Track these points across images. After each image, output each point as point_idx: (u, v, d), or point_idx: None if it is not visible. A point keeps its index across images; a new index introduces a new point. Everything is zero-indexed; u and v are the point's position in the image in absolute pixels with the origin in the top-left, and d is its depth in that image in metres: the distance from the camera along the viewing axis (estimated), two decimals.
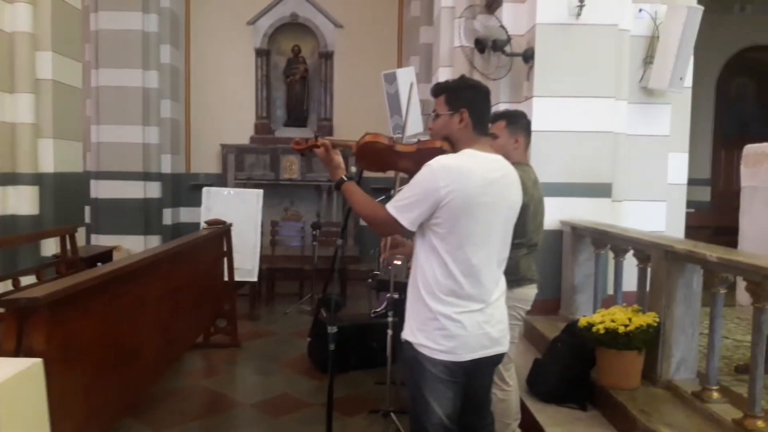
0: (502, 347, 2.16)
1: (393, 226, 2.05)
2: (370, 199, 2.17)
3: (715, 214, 9.02)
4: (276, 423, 3.68)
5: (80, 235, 5.96)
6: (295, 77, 9.54)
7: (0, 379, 1.82)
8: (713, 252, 2.82)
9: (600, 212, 4.60)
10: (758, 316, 2.56)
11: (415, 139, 2.59)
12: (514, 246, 2.43)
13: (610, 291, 4.14)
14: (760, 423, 2.51)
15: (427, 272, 2.06)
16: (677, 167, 5.09)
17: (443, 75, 5.97)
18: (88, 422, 2.68)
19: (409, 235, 2.16)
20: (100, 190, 8.31)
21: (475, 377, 2.14)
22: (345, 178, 2.21)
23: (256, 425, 3.65)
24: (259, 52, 9.41)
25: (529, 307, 2.93)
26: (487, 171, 2.05)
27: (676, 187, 5.09)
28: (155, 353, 3.66)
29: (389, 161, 2.33)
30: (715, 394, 2.84)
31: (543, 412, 3.23)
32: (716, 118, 10.27)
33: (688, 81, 4.94)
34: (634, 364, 3.16)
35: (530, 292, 2.90)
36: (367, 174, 2.58)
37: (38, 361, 2.08)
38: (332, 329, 2.98)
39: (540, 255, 4.35)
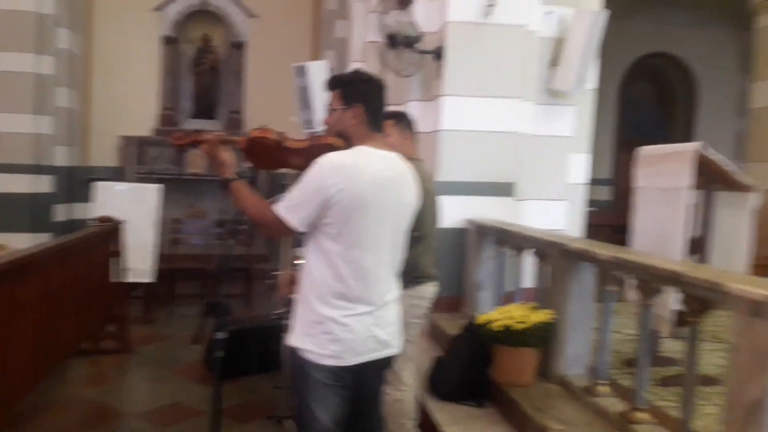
0: (393, 350, 2.08)
1: (281, 227, 1.92)
2: (259, 199, 2.03)
3: (616, 213, 9.43)
4: None
5: None
6: (204, 67, 9.16)
7: None
8: (605, 250, 2.86)
9: (504, 211, 4.63)
10: (644, 312, 2.62)
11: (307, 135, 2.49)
12: (414, 240, 2.36)
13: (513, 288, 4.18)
14: (642, 415, 2.56)
15: (314, 274, 1.95)
16: (579, 167, 5.21)
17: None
18: None
19: (299, 236, 2.04)
20: None
21: (363, 381, 2.05)
22: (233, 177, 2.06)
23: None
24: (167, 40, 8.96)
25: (429, 305, 2.87)
26: (380, 169, 1.96)
27: (577, 186, 5.22)
28: (28, 362, 3.33)
29: (279, 158, 2.21)
30: (604, 389, 2.88)
31: (441, 411, 3.19)
32: (619, 120, 10.74)
33: (593, 84, 5.08)
34: (529, 361, 3.18)
35: (430, 289, 2.85)
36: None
37: None
38: (220, 335, 2.81)
39: (444, 253, 4.36)
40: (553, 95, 4.96)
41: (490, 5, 4.35)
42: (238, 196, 2.04)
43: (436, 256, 2.94)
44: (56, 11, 7.95)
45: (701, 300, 2.21)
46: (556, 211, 5.09)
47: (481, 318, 3.28)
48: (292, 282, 2.44)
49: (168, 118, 8.97)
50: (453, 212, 4.51)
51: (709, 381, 3.09)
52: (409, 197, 2.08)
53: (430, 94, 4.83)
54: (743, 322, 1.91)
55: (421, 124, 4.48)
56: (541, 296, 3.45)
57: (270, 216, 1.94)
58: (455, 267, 4.61)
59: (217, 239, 6.36)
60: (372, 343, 1.98)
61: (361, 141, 2.01)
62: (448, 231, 4.49)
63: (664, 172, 3.23)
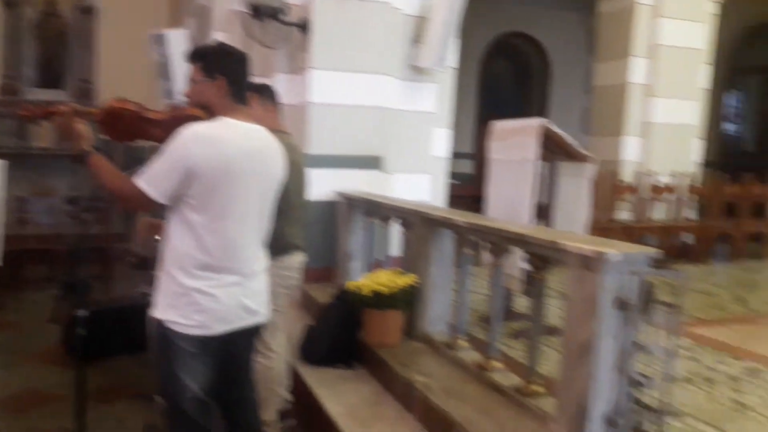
0: (260, 318, 2.13)
1: (143, 200, 1.89)
2: (118, 172, 1.98)
3: (476, 185, 9.99)
4: (19, 420, 3.25)
5: None
6: (49, 33, 8.38)
7: None
8: (462, 217, 3.09)
9: (372, 184, 4.79)
10: (495, 272, 2.87)
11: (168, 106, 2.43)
12: (280, 211, 2.41)
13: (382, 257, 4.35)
14: (495, 364, 2.84)
15: (178, 247, 1.94)
16: (441, 142, 5.48)
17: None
18: None
19: (161, 209, 2.01)
20: None
21: (232, 348, 2.08)
22: (89, 150, 1.99)
23: None
24: (4, 3, 8.07)
25: (296, 275, 2.93)
26: (245, 141, 1.99)
27: (440, 160, 5.49)
28: None
29: (138, 129, 2.17)
30: (463, 343, 3.14)
31: (312, 375, 3.30)
32: (480, 97, 11.31)
33: (453, 61, 5.34)
34: (395, 322, 3.36)
35: (297, 259, 2.91)
36: None
37: None
38: (81, 313, 2.71)
39: (315, 225, 4.44)
40: (416, 72, 5.15)
41: None
42: (96, 170, 1.98)
43: (305, 228, 2.99)
44: None
45: (542, 258, 2.49)
46: (421, 184, 5.34)
47: (351, 284, 3.41)
48: (152, 227, 2.40)
49: (8, 87, 8.14)
50: (323, 185, 4.59)
51: (553, 331, 3.45)
52: (276, 169, 2.12)
53: (297, 66, 4.83)
54: (576, 275, 2.18)
55: (289, 97, 4.51)
56: (406, 262, 3.65)
57: (131, 189, 1.90)
58: (326, 238, 4.70)
59: (69, 218, 5.92)
60: (241, 312, 2.02)
61: (225, 113, 2.01)
62: (319, 203, 4.56)
63: (513, 146, 3.53)
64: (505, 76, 11.87)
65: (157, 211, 2.14)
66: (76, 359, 2.71)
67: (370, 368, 3.33)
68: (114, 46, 8.45)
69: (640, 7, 6.34)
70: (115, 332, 4.07)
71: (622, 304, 2.05)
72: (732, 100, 10.74)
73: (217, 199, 1.91)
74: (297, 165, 2.84)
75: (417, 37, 5.06)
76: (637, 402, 2.16)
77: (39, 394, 3.55)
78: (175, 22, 8.58)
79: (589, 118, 7.19)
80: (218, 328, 1.96)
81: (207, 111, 2.04)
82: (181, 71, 5.03)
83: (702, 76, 6.76)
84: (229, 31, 5.65)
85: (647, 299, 2.08)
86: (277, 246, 2.66)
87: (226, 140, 1.93)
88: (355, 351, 3.44)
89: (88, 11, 8.44)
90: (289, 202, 2.72)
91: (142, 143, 2.36)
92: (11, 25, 8.16)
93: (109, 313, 4.07)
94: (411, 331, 3.43)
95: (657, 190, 6.55)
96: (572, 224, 3.86)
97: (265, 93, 2.93)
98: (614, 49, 6.59)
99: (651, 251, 2.11)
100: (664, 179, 6.56)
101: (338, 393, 3.13)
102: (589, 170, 3.83)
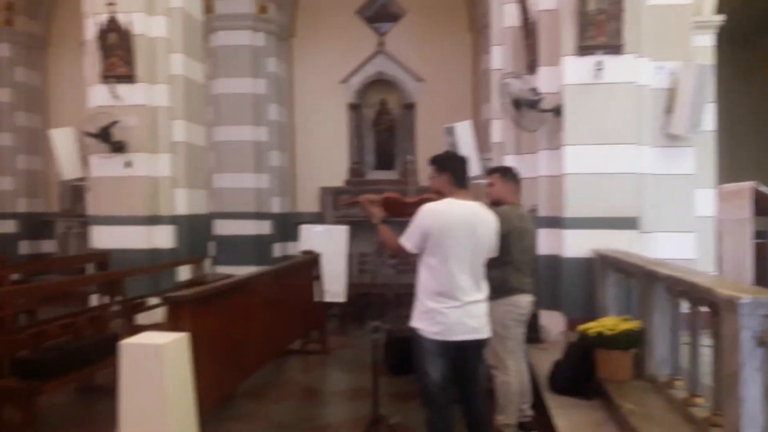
0: (482, 334, 3.14)
1: (404, 251, 3.13)
2: (393, 235, 3.27)
3: None
4: (349, 405, 4.93)
5: (206, 264, 7.45)
6: (382, 126, 10.88)
7: (165, 341, 3.06)
8: (666, 270, 3.57)
9: (630, 242, 5.26)
10: (693, 318, 3.32)
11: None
12: (502, 263, 3.41)
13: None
14: (698, 399, 3.25)
15: (423, 281, 3.13)
16: (704, 202, 5.66)
17: (495, 127, 6.98)
18: (213, 382, 3.90)
19: (414, 257, 3.20)
20: (221, 228, 9.81)
21: (461, 354, 3.13)
22: (378, 222, 3.35)
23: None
24: (351, 106, 10.83)
25: (524, 311, 3.79)
26: (461, 213, 3.09)
27: (704, 219, 5.66)
28: (259, 349, 4.90)
29: (402, 209, 3.46)
30: (680, 383, 3.54)
31: (554, 400, 4.04)
32: None
33: (711, 125, 5.61)
34: (622, 361, 3.93)
35: (523, 299, 3.77)
36: None
37: (185, 334, 3.29)
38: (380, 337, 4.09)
39: (575, 280, 5.18)
40: (671, 138, 5.57)
41: (599, 69, 5.19)
42: (380, 233, 3.29)
43: (532, 276, 3.86)
44: (267, 91, 10.15)
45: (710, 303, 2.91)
46: (685, 242, 5.57)
47: (581, 327, 4.12)
48: (371, 200, 3.50)
49: (356, 171, 10.78)
50: (580, 244, 5.31)
51: None
52: (484, 230, 3.13)
53: (554, 144, 5.71)
54: (723, 317, 2.60)
55: (549, 169, 5.46)
56: (634, 309, 4.16)
57: (398, 245, 3.16)
58: (585, 292, 5.32)
59: (392, 268, 7.76)
60: (464, 327, 3.06)
61: (450, 195, 3.14)
62: (576, 261, 5.30)
63: (735, 207, 3.84)
64: None
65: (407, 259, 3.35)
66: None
67: (601, 399, 3.95)
68: (428, 134, 10.43)
69: None
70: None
71: (761, 342, 2.47)
72: None
73: (442, 250, 3.03)
74: (524, 228, 3.78)
75: (668, 108, 5.51)
76: None
77: (364, 390, 5.04)
78: (475, 110, 10.21)
79: None
80: (449, 336, 3.04)
81: (440, 195, 3.20)
82: (469, 153, 6.36)
83: None
84: (504, 45, 6.74)
85: None
86: (505, 288, 3.63)
87: (449, 213, 3.05)
88: (592, 384, 4.07)
89: (409, 107, 10.68)
90: (513, 255, 3.66)
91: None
92: (355, 123, 10.84)
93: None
94: (640, 371, 3.94)
95: None
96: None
97: (507, 174, 3.95)
98: None
99: None
100: None
101: (569, 414, 3.83)
102: None
